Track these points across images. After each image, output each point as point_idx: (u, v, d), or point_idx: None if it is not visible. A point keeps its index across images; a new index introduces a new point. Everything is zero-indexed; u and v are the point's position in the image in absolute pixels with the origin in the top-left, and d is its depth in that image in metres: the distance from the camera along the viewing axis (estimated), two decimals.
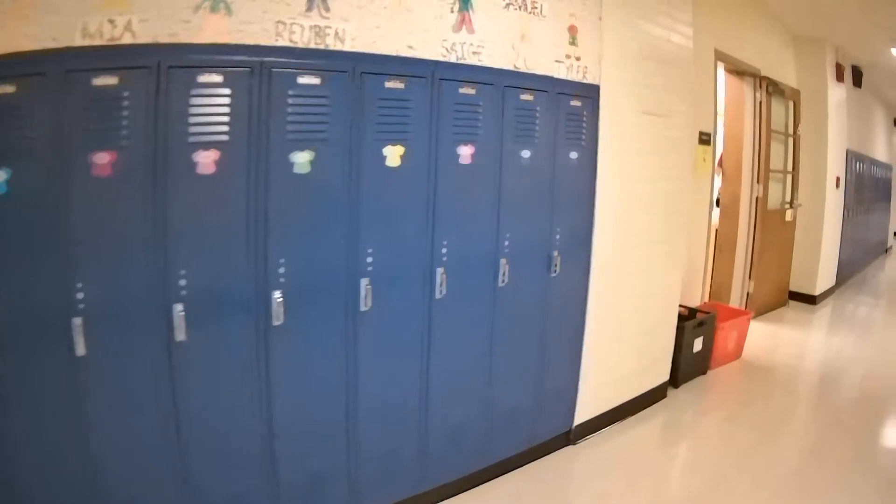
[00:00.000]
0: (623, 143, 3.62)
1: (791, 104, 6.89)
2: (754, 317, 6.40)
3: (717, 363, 5.02)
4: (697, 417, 4.24)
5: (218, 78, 2.15)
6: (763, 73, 6.23)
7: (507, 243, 3.05)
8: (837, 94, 7.50)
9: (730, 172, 6.33)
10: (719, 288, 6.40)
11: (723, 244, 6.39)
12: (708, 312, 4.88)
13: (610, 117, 3.50)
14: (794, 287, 7.41)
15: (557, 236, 3.32)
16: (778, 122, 6.64)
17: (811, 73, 7.20)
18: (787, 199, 6.93)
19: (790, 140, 6.92)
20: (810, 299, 7.39)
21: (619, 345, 3.87)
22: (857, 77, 8.70)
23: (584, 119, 3.36)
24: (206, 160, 2.16)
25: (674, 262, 4.23)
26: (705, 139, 5.30)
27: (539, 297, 3.28)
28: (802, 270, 7.38)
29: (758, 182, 6.24)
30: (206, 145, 2.15)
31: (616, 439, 3.82)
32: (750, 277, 6.32)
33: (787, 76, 6.88)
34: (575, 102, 3.30)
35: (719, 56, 5.48)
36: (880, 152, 11.08)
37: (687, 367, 4.65)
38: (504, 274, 3.04)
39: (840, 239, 8.21)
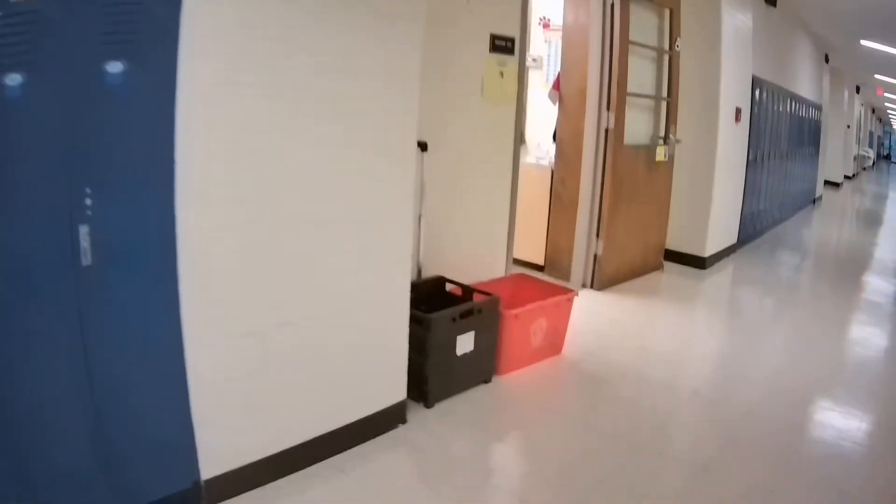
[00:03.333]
0: (245, 40, 2.03)
1: (667, 13, 5.29)
2: (606, 287, 4.90)
3: (514, 365, 3.50)
4: (449, 458, 2.71)
5: None
6: None
7: None
8: (737, 5, 5.93)
9: (570, 99, 4.75)
10: (558, 251, 4.89)
11: (561, 193, 4.85)
12: (489, 294, 3.34)
13: None
14: (675, 246, 5.93)
15: (89, 203, 1.75)
16: (646, 35, 5.05)
17: None
18: (661, 133, 5.38)
19: (665, 59, 5.34)
20: (698, 262, 5.93)
21: (288, 350, 2.35)
22: None
23: None
24: None
25: (394, 231, 2.68)
26: (504, 45, 3.69)
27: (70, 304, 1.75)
28: (687, 225, 5.90)
29: (608, 109, 4.66)
30: None
31: (292, 499, 2.31)
32: (598, 236, 4.79)
33: None
34: None
35: None
36: (806, 89, 9.59)
37: (445, 376, 3.12)
38: None
39: (744, 185, 6.73)
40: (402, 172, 2.69)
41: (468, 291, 3.40)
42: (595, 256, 4.82)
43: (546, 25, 6.10)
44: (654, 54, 5.24)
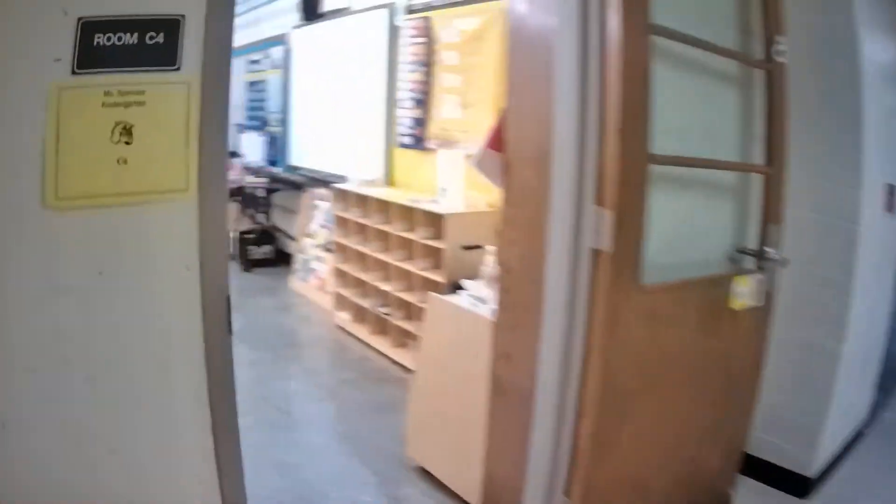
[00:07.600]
0: None
1: None
2: None
3: None
4: None
5: None
6: None
7: None
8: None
9: (519, 173, 2.05)
10: (499, 488, 2.26)
11: (504, 379, 2.21)
12: None
13: None
14: (753, 449, 3.08)
15: None
16: (703, 25, 2.30)
17: None
18: (746, 245, 2.57)
19: (755, 79, 2.54)
20: (797, 484, 3.04)
21: None
22: None
23: None
24: None
25: None
26: (131, 47, 1.13)
27: None
28: (779, 416, 3.04)
29: (598, 203, 1.92)
30: None
31: None
32: (571, 479, 2.03)
33: None
34: None
35: None
36: None
37: None
38: None
39: (892, 318, 3.81)
40: None
41: None
42: None
43: None
44: (726, 66, 2.46)
